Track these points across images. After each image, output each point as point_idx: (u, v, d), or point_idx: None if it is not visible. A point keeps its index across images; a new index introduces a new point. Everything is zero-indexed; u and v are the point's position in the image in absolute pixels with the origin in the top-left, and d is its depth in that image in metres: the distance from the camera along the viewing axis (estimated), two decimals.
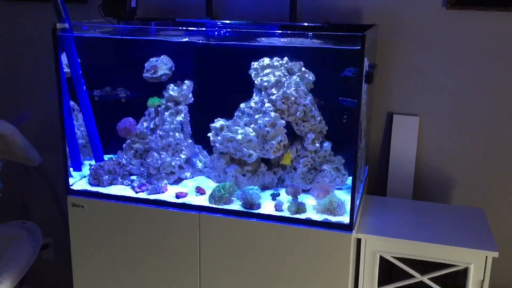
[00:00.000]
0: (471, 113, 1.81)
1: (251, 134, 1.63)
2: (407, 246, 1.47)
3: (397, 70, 1.83)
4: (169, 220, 1.58)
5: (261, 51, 1.66)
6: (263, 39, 1.62)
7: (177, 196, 1.62)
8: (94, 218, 1.65)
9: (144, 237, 1.61)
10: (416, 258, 1.48)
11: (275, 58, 1.66)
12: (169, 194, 1.65)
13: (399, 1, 1.78)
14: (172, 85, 1.74)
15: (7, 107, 2.28)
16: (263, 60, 1.65)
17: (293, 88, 1.61)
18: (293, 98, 1.61)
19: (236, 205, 1.57)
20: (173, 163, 1.70)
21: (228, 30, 1.69)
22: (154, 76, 1.73)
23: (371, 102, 1.77)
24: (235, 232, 1.53)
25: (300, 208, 1.52)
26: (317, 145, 1.65)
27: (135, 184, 1.68)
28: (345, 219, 1.48)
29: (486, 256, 1.42)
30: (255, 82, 1.66)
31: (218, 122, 1.67)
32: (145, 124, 1.78)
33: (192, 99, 1.75)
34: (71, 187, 1.69)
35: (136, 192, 1.66)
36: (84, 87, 1.73)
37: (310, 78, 1.67)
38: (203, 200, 1.60)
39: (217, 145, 1.67)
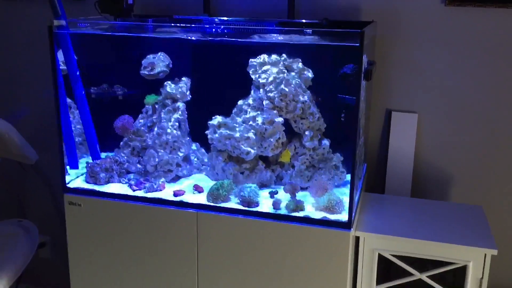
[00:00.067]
0: (470, 110, 1.81)
1: (249, 131, 1.62)
2: (405, 244, 1.47)
3: (396, 67, 1.82)
4: (167, 218, 1.57)
5: (259, 48, 1.66)
6: (261, 36, 1.60)
7: (175, 194, 1.61)
8: (91, 217, 1.64)
9: (142, 235, 1.60)
10: (415, 256, 1.47)
11: (273, 55, 1.65)
12: (166, 192, 1.64)
13: None
14: (169, 82, 1.73)
15: (3, 104, 2.26)
16: (261, 57, 1.65)
17: (291, 85, 1.61)
18: (291, 95, 1.61)
19: (234, 203, 1.57)
20: (170, 161, 1.69)
21: (226, 27, 1.68)
22: (151, 73, 1.72)
23: (369, 99, 1.77)
24: (233, 230, 1.52)
25: (298, 206, 1.52)
26: (316, 142, 1.65)
27: (132, 182, 1.68)
28: (344, 217, 1.48)
29: (485, 254, 1.42)
30: (253, 79, 1.66)
31: (216, 120, 1.66)
32: (142, 122, 1.77)
33: (190, 96, 1.75)
34: (68, 185, 1.68)
35: (134, 190, 1.65)
36: (81, 84, 1.72)
37: (309, 75, 1.66)
38: (201, 198, 1.59)
39: (215, 142, 1.66)
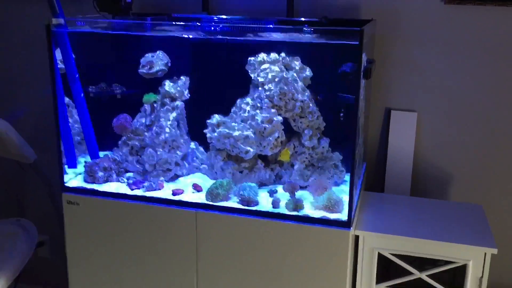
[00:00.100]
0: (469, 109, 1.80)
1: (248, 130, 1.62)
2: (405, 243, 1.46)
3: (395, 65, 1.82)
4: (166, 218, 1.56)
5: (258, 47, 1.65)
6: (260, 34, 1.60)
7: (174, 193, 1.61)
8: (90, 216, 1.63)
9: (140, 234, 1.60)
10: (414, 255, 1.47)
11: (272, 54, 1.65)
12: (165, 191, 1.63)
13: None
14: (168, 81, 1.72)
15: (1, 103, 2.25)
16: (260, 55, 1.64)
17: (290, 84, 1.60)
18: (290, 94, 1.60)
19: (233, 202, 1.56)
20: (169, 160, 1.68)
21: (225, 25, 1.67)
22: (149, 71, 1.72)
23: (369, 98, 1.76)
24: (232, 230, 1.52)
25: (298, 205, 1.51)
26: (315, 141, 1.64)
27: (130, 181, 1.67)
28: (343, 216, 1.47)
29: (485, 253, 1.42)
30: (252, 77, 1.65)
31: (215, 118, 1.65)
32: (141, 121, 1.76)
33: (189, 95, 1.74)
34: (66, 184, 1.67)
35: (132, 189, 1.64)
36: (79, 83, 1.72)
37: (308, 73, 1.65)
38: (200, 197, 1.59)
39: (214, 141, 1.65)
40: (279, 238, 1.48)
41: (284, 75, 1.61)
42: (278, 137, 1.62)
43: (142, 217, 1.58)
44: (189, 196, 1.60)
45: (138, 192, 1.63)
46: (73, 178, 1.73)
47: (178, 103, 1.72)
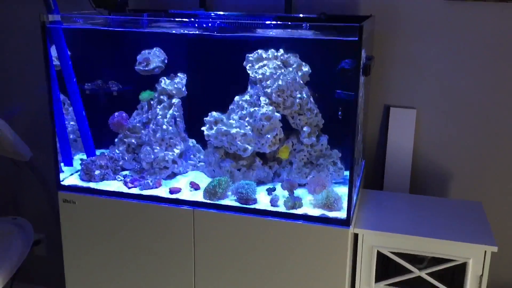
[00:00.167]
0: (469, 106, 1.79)
1: (246, 127, 1.60)
2: (404, 241, 1.46)
3: (394, 62, 1.81)
4: (163, 216, 1.55)
5: (256, 43, 1.64)
6: (258, 30, 1.58)
7: (171, 192, 1.59)
8: (86, 214, 1.62)
9: (137, 233, 1.59)
10: (414, 253, 1.46)
11: (270, 50, 1.63)
12: (162, 189, 1.62)
13: None
14: (165, 78, 1.71)
15: None
16: (258, 52, 1.63)
17: (288, 81, 1.59)
18: (288, 91, 1.59)
19: (231, 200, 1.55)
20: (166, 158, 1.67)
21: (222, 21, 1.66)
22: (146, 68, 1.71)
23: (368, 95, 1.75)
24: (230, 228, 1.50)
25: (296, 203, 1.50)
26: (314, 139, 1.63)
27: (127, 179, 1.66)
28: (342, 214, 1.46)
29: (485, 251, 1.41)
30: (250, 74, 1.64)
31: (212, 116, 1.64)
32: (137, 118, 1.75)
33: (186, 92, 1.73)
34: (62, 183, 1.66)
35: (129, 188, 1.63)
36: (75, 80, 1.70)
37: (306, 70, 1.64)
38: (197, 196, 1.58)
39: (212, 139, 1.64)
40: (277, 237, 1.47)
41: (283, 72, 1.60)
42: (277, 134, 1.61)
43: (139, 216, 1.57)
44: (187, 194, 1.59)
45: (135, 190, 1.61)
46: (69, 176, 1.71)
47: (175, 100, 1.71)
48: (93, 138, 1.77)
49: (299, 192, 1.59)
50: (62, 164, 1.73)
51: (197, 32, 1.63)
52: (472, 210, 1.62)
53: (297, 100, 1.60)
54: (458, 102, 1.80)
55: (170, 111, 1.70)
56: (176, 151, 1.69)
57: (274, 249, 1.49)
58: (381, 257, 1.50)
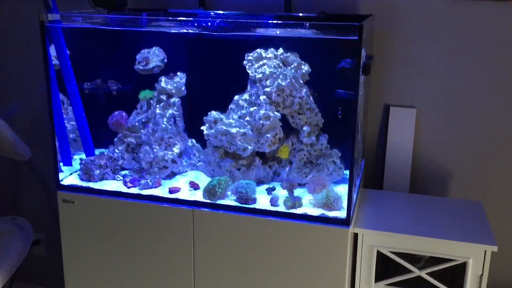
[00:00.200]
0: (469, 105, 1.79)
1: (245, 127, 1.60)
2: (404, 241, 1.45)
3: (394, 61, 1.80)
4: (162, 216, 1.55)
5: (255, 42, 1.63)
6: (257, 30, 1.58)
7: (170, 191, 1.59)
8: (85, 214, 1.61)
9: (137, 233, 1.58)
10: (414, 252, 1.46)
11: (269, 49, 1.63)
12: (162, 189, 1.62)
13: None
14: (164, 77, 1.70)
15: None
16: (258, 51, 1.62)
17: (288, 80, 1.58)
18: (288, 90, 1.58)
19: (230, 200, 1.55)
20: (166, 157, 1.67)
21: (222, 20, 1.65)
22: (146, 68, 1.70)
23: (367, 94, 1.74)
24: (229, 228, 1.50)
25: (296, 202, 1.50)
26: (313, 138, 1.63)
27: (127, 179, 1.65)
28: (342, 213, 1.46)
29: (485, 251, 1.41)
30: (250, 74, 1.63)
31: (212, 115, 1.64)
32: (137, 118, 1.75)
33: (185, 91, 1.72)
34: (61, 183, 1.65)
35: (128, 187, 1.63)
36: (74, 79, 1.70)
37: (306, 69, 1.64)
38: (197, 195, 1.57)
39: (211, 138, 1.64)
40: (277, 237, 1.47)
41: (282, 71, 1.59)
42: (276, 134, 1.61)
43: (138, 215, 1.57)
44: (186, 194, 1.59)
45: (134, 190, 1.61)
46: (69, 176, 1.71)
47: (175, 99, 1.70)
48: (93, 138, 1.77)
49: (299, 191, 1.58)
50: (61, 164, 1.73)
51: (196, 31, 1.63)
52: (472, 209, 1.62)
53: (297, 100, 1.60)
54: (458, 102, 1.80)
55: (170, 111, 1.69)
56: (176, 150, 1.69)
57: (273, 249, 1.48)
58: (381, 257, 1.49)
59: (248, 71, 1.64)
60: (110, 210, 1.59)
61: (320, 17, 1.68)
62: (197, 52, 1.79)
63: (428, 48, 1.77)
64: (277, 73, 1.59)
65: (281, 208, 1.50)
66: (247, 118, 1.61)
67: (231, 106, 1.66)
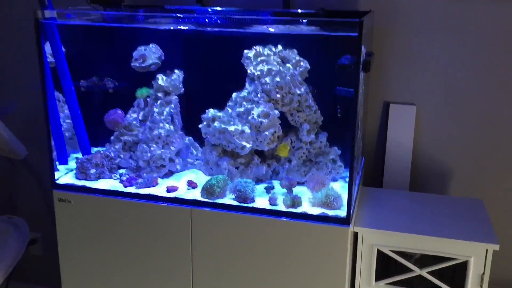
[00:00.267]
0: (469, 102, 1.78)
1: (244, 125, 1.58)
2: (405, 240, 1.44)
3: (394, 58, 1.79)
4: (160, 215, 1.53)
5: (253, 39, 1.62)
6: (255, 26, 1.56)
7: (168, 190, 1.57)
8: (82, 213, 1.60)
9: (134, 232, 1.57)
10: (414, 251, 1.45)
11: (268, 46, 1.61)
12: (159, 188, 1.60)
13: None
14: (161, 74, 1.69)
15: None
16: (256, 48, 1.60)
17: (287, 77, 1.57)
18: (287, 88, 1.57)
19: (229, 199, 1.53)
20: (163, 156, 1.65)
21: (219, 17, 1.64)
22: (142, 65, 1.69)
23: (367, 91, 1.73)
24: (228, 227, 1.49)
25: (296, 201, 1.48)
26: (313, 136, 1.61)
27: (124, 178, 1.64)
28: (342, 212, 1.45)
29: (487, 249, 1.39)
30: (248, 71, 1.61)
31: (210, 113, 1.62)
32: (133, 116, 1.73)
33: (183, 89, 1.71)
34: (57, 182, 1.64)
35: (125, 186, 1.61)
36: (70, 77, 1.68)
37: (305, 66, 1.62)
38: (195, 194, 1.56)
39: (209, 136, 1.62)
40: (276, 236, 1.46)
41: (281, 68, 1.58)
42: (275, 132, 1.59)
43: (135, 215, 1.55)
44: (184, 193, 1.57)
45: (132, 189, 1.59)
46: (65, 175, 1.69)
47: (172, 97, 1.69)
48: (89, 136, 1.75)
49: (298, 190, 1.57)
50: (57, 163, 1.71)
51: (193, 28, 1.61)
52: (473, 207, 1.61)
53: (296, 97, 1.58)
54: (458, 99, 1.78)
55: (167, 109, 1.68)
56: (173, 149, 1.67)
57: (273, 248, 1.47)
58: (381, 256, 1.48)
59: (247, 68, 1.62)
60: (107, 209, 1.58)
61: (319, 14, 1.66)
62: (195, 49, 1.78)
63: (428, 45, 1.76)
64: (276, 70, 1.57)
65: (281, 207, 1.49)
66: (246, 116, 1.59)
67: (229, 103, 1.65)
